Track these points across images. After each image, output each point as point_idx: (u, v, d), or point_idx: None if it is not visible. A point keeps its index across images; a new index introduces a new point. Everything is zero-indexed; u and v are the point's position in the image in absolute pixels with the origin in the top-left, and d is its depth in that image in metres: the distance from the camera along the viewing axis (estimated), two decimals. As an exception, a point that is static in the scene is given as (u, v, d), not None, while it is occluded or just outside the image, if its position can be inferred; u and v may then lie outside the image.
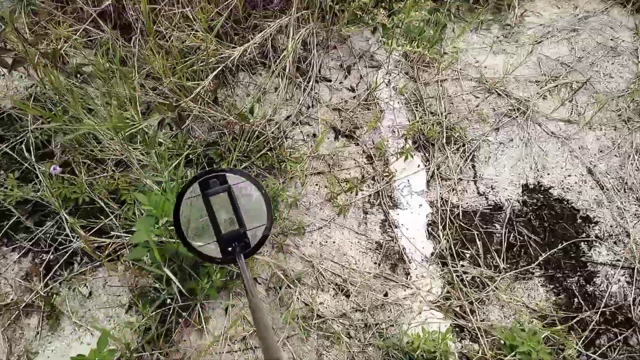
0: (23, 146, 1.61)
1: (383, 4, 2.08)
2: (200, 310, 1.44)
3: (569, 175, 1.78)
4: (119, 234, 1.48)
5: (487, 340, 1.48)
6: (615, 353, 1.48)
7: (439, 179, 1.75)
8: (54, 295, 1.47)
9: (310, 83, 1.89)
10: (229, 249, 0.99)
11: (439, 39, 1.96)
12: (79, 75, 1.63)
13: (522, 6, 2.20)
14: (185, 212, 1.00)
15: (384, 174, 1.73)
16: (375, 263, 1.61)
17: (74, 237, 1.52)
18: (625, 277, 1.62)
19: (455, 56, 2.03)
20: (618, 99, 1.94)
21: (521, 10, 2.19)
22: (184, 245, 0.97)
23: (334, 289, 1.55)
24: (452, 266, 1.59)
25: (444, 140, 1.81)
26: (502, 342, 1.43)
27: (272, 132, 1.75)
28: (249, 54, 1.78)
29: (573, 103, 1.94)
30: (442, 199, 1.71)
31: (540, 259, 1.62)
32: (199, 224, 1.02)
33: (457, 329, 1.52)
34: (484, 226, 1.67)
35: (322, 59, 1.98)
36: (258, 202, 1.04)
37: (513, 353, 1.37)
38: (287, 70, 1.80)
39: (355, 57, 2.00)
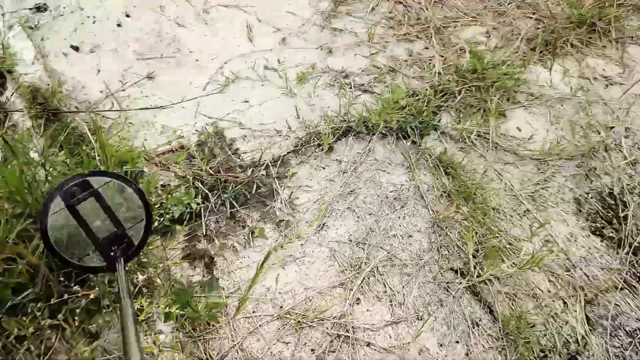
0: None
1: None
2: None
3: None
4: None
5: None
6: None
7: None
8: None
9: None
10: (111, 253, 1.00)
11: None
12: None
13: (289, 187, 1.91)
14: (56, 229, 0.97)
15: None
16: None
17: None
18: None
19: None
20: (427, 263, 1.75)
21: (288, 191, 1.90)
22: (63, 265, 0.98)
23: None
24: None
25: None
26: None
27: None
28: None
29: (388, 293, 1.69)
30: None
31: None
32: (76, 237, 0.99)
33: None
34: None
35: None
36: (131, 197, 1.03)
37: None
38: None
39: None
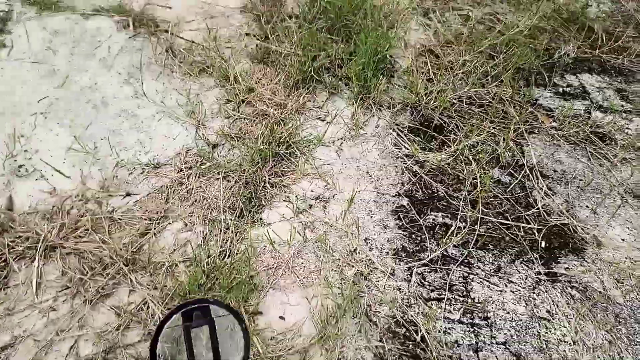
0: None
1: None
2: None
3: None
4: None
5: None
6: None
7: None
8: None
9: None
10: None
11: None
12: None
13: None
14: (165, 339, 1.04)
15: None
16: None
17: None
18: None
19: None
20: None
21: None
22: None
23: None
24: None
25: None
26: None
27: None
28: None
29: None
30: None
31: None
32: (177, 355, 1.07)
33: None
34: None
35: None
36: (237, 336, 1.08)
37: None
38: None
39: None
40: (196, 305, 1.11)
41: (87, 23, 2.91)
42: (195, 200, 2.20)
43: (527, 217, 2.32)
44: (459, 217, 2.28)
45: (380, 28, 2.97)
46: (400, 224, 2.25)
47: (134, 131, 2.43)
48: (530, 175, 2.51)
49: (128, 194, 2.18)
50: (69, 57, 2.71)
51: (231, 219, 2.14)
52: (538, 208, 2.36)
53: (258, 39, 3.04)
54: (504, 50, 3.04)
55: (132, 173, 2.27)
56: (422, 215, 2.29)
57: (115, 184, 2.21)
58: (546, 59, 3.16)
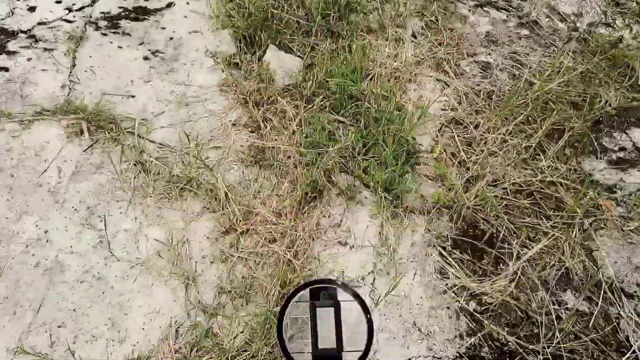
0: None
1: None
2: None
3: None
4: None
5: None
6: None
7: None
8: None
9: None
10: None
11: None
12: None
13: None
14: (292, 313, 1.02)
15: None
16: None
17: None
18: None
19: None
20: None
21: None
22: (281, 349, 0.98)
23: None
24: None
25: None
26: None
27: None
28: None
29: None
30: None
31: None
32: (302, 333, 1.06)
33: None
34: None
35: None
36: (361, 326, 1.03)
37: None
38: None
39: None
40: (324, 285, 1.05)
41: (28, 136, 2.21)
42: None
43: (622, 367, 1.78)
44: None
45: (391, 95, 2.38)
46: (469, 402, 1.68)
47: (101, 306, 1.77)
48: (611, 297, 1.96)
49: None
50: (3, 194, 2.02)
51: None
52: (634, 351, 1.82)
53: (248, 130, 2.38)
54: (538, 107, 2.48)
55: (105, 381, 1.63)
56: (494, 385, 1.72)
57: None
58: (589, 113, 2.58)
